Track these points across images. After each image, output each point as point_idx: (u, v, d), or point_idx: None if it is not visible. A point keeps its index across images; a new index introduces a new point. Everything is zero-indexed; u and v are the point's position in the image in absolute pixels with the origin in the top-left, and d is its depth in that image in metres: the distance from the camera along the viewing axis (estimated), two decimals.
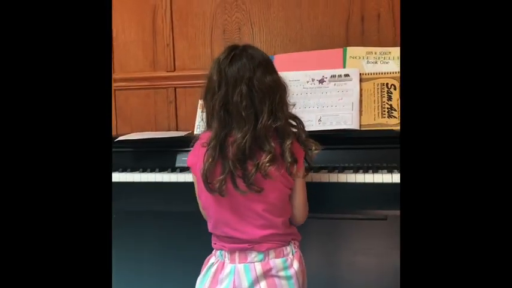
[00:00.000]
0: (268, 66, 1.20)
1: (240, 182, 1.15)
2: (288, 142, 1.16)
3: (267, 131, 1.14)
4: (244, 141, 1.13)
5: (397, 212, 1.37)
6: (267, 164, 1.13)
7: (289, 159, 1.15)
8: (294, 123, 1.23)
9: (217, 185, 1.15)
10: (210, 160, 1.15)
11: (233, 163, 1.14)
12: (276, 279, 1.20)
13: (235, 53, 1.19)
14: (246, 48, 1.22)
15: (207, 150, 1.17)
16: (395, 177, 1.34)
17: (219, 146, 1.15)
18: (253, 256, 1.20)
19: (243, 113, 1.14)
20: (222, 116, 1.16)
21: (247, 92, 1.15)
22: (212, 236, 1.27)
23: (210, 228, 1.26)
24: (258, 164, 1.13)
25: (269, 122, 1.15)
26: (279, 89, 1.19)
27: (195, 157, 1.22)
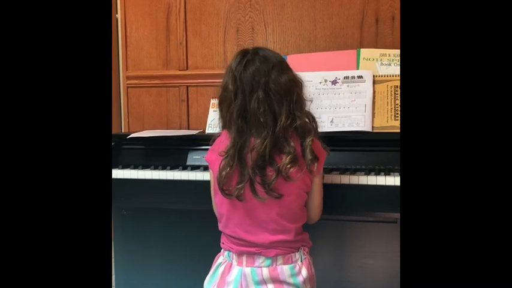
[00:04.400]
0: (282, 66, 1.19)
1: (259, 189, 1.14)
2: (309, 139, 1.15)
3: (286, 132, 1.14)
4: (264, 146, 1.12)
5: None
6: (288, 166, 1.12)
7: (310, 157, 1.14)
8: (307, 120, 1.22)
9: (236, 192, 1.14)
10: (228, 169, 1.15)
11: (253, 170, 1.13)
12: (285, 286, 1.19)
13: (248, 58, 1.18)
14: (257, 51, 1.20)
15: (224, 159, 1.16)
16: None
17: (237, 154, 1.14)
18: (260, 261, 1.20)
19: (261, 119, 1.13)
20: (240, 124, 1.15)
21: (264, 97, 1.14)
22: (222, 234, 1.27)
23: (220, 227, 1.26)
24: (279, 167, 1.12)
25: (288, 122, 1.14)
26: (295, 87, 1.18)
27: (215, 154, 1.21)
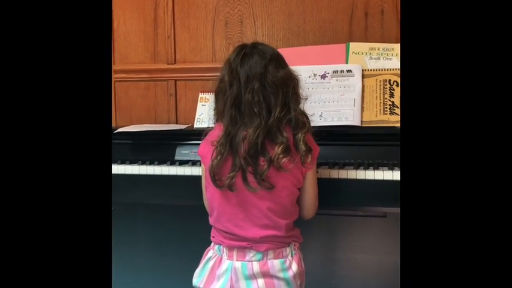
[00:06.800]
0: (279, 61, 1.20)
1: (251, 179, 1.14)
2: (302, 132, 1.15)
3: (279, 123, 1.14)
4: (256, 135, 1.12)
5: (397, 210, 1.36)
6: (281, 156, 1.12)
7: (304, 148, 1.15)
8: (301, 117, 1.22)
9: (227, 181, 1.14)
10: (219, 158, 1.15)
11: (245, 159, 1.13)
12: (275, 280, 1.19)
13: (246, 51, 1.19)
14: (256, 45, 1.21)
15: (215, 148, 1.16)
16: (396, 175, 1.33)
17: (229, 143, 1.14)
18: (251, 255, 1.19)
19: (255, 109, 1.13)
20: (233, 113, 1.15)
21: (260, 88, 1.14)
22: (212, 228, 1.26)
23: (211, 221, 1.25)
24: (271, 157, 1.12)
25: (282, 114, 1.14)
26: (291, 81, 1.19)
27: (207, 146, 1.20)
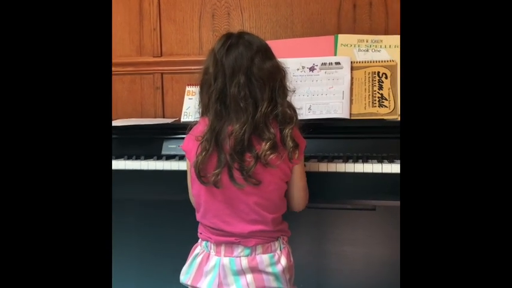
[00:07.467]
0: (267, 52, 1.17)
1: (237, 175, 1.12)
2: (289, 128, 1.13)
3: (266, 119, 1.12)
4: (243, 131, 1.10)
5: (387, 203, 1.36)
6: (268, 152, 1.10)
7: (291, 144, 1.13)
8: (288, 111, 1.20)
9: (213, 178, 1.12)
10: (204, 153, 1.12)
11: (231, 156, 1.11)
12: (264, 275, 1.18)
13: (231, 41, 1.15)
14: (242, 35, 1.18)
15: (200, 143, 1.13)
16: (385, 167, 1.32)
17: (214, 139, 1.12)
18: (239, 251, 1.18)
19: (241, 104, 1.11)
20: (218, 108, 1.13)
21: (246, 82, 1.12)
22: (199, 224, 1.25)
23: (198, 217, 1.23)
24: (258, 154, 1.10)
25: (269, 109, 1.12)
26: (278, 74, 1.16)
27: (192, 141, 1.18)
